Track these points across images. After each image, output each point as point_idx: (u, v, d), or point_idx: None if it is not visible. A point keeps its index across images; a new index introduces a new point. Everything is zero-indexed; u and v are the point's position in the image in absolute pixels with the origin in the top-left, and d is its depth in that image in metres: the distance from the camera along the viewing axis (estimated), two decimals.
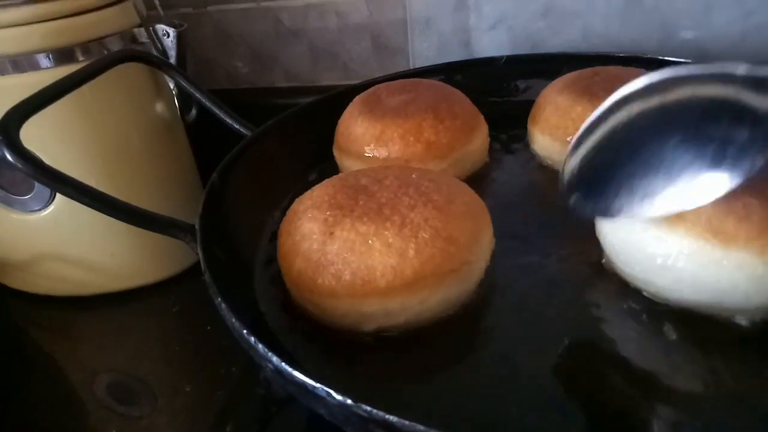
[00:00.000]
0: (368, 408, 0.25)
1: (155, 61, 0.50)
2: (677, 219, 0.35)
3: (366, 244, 0.36)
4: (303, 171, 0.49)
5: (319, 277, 0.37)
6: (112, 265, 0.55)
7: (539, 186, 0.53)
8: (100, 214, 0.40)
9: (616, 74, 0.52)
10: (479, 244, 0.39)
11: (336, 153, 0.55)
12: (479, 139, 0.54)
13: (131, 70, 0.52)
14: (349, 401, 0.26)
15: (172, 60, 0.54)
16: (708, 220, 0.34)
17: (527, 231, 0.46)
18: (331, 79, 0.66)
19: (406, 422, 0.24)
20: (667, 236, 0.35)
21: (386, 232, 0.37)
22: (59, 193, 0.48)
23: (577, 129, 0.50)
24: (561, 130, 0.51)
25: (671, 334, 0.36)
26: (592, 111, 0.50)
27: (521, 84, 0.58)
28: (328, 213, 0.39)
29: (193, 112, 0.58)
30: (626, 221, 0.37)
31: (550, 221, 0.47)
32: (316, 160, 0.53)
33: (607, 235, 0.40)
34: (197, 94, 0.52)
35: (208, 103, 0.52)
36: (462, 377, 0.35)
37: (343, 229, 0.37)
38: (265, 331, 0.37)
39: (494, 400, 0.33)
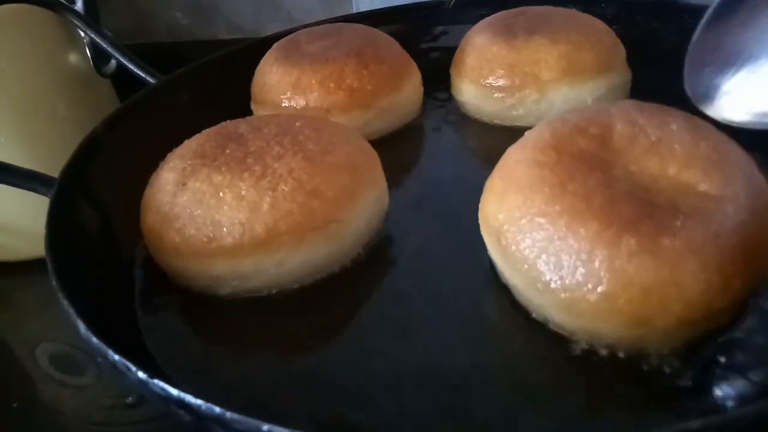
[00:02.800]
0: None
1: (46, 1, 0.46)
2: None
3: (216, 197, 0.32)
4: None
5: (165, 233, 0.32)
6: (36, 230, 0.53)
7: (468, 143, 0.48)
8: None
9: (542, 13, 0.46)
10: (356, 201, 0.34)
11: (253, 107, 0.50)
12: (410, 88, 0.48)
13: (35, 18, 0.48)
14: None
15: (79, 5, 0.50)
16: None
17: (443, 192, 0.41)
18: (275, 29, 0.61)
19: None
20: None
21: (241, 183, 0.32)
22: None
23: (492, 71, 0.45)
24: (476, 72, 0.46)
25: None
26: (507, 52, 0.45)
27: (466, 30, 0.51)
28: (188, 162, 0.34)
29: (113, 63, 0.54)
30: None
31: (472, 184, 0.40)
32: (234, 116, 0.49)
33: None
34: (97, 38, 0.48)
35: (109, 48, 0.48)
36: (299, 369, 0.30)
37: (197, 180, 0.33)
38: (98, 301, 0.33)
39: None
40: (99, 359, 0.43)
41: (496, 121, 0.47)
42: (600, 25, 0.47)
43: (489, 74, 0.45)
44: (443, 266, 0.34)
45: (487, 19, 0.49)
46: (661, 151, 0.29)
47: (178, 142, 0.38)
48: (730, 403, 0.25)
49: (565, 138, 0.30)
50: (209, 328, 0.33)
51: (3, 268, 0.54)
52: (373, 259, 0.35)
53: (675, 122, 0.30)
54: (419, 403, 0.27)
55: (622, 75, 0.45)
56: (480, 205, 0.33)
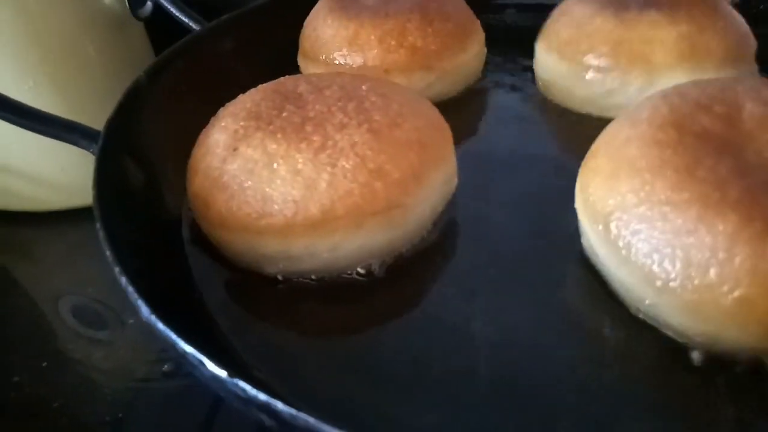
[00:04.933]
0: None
1: None
2: None
3: (269, 168, 0.29)
4: (260, 79, 0.40)
5: (212, 203, 0.29)
6: (64, 181, 0.50)
7: (533, 110, 0.43)
8: None
9: None
10: (423, 183, 0.30)
11: (301, 61, 0.46)
12: (474, 48, 0.44)
13: None
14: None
15: None
16: None
17: (513, 169, 0.36)
18: None
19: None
20: None
21: (297, 155, 0.29)
22: None
23: (592, 47, 0.40)
24: (572, 47, 0.40)
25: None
26: (615, 26, 0.39)
27: None
28: (241, 123, 0.31)
29: (148, 5, 0.50)
30: None
31: (542, 158, 0.36)
32: (279, 68, 0.44)
33: None
34: None
35: None
36: (353, 356, 0.27)
37: (249, 146, 0.30)
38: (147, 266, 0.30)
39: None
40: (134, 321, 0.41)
41: (585, 109, 0.40)
42: (729, 8, 0.40)
43: (588, 50, 0.39)
44: (520, 254, 0.31)
45: None
46: None
47: (222, 95, 0.35)
48: None
49: (686, 115, 0.26)
50: (268, 309, 0.30)
51: (28, 219, 0.52)
52: (437, 247, 0.32)
53: None
54: (495, 409, 0.25)
55: (749, 71, 0.39)
56: (578, 187, 0.29)
